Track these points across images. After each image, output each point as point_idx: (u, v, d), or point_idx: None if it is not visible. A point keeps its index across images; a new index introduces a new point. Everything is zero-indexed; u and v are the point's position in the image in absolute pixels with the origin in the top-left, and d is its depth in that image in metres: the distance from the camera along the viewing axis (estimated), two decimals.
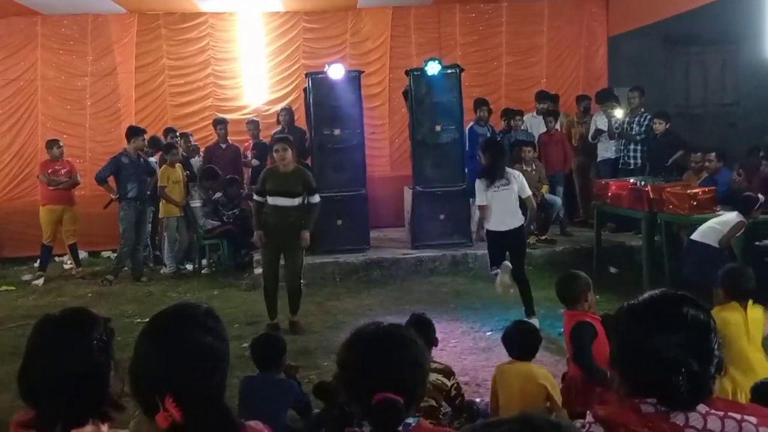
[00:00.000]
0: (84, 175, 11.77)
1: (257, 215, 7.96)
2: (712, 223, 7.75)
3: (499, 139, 11.51)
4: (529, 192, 7.95)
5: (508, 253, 7.86)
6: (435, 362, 4.73)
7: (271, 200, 7.77)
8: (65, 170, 11.33)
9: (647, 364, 1.88)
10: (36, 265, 11.32)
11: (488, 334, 7.53)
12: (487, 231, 7.93)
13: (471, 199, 10.48)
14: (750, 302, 4.71)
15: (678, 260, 9.28)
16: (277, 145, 7.86)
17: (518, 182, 7.81)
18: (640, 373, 1.92)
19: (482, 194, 7.79)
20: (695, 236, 7.77)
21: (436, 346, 5.10)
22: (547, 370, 4.96)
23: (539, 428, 1.23)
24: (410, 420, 2.16)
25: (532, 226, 10.64)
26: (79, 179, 11.49)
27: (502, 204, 7.74)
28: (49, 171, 11.20)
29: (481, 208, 7.95)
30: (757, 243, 8.05)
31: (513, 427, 1.24)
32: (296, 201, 7.76)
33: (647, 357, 1.87)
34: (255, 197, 8.07)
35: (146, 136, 11.28)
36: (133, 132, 10.98)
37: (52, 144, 11.33)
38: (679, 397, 1.83)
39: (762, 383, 4.04)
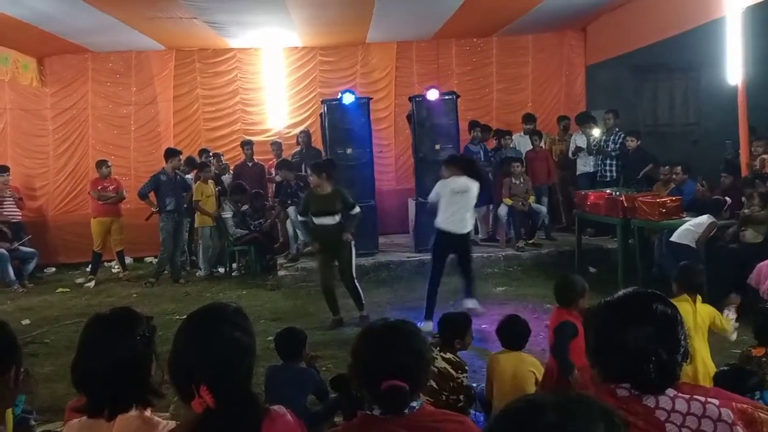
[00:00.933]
0: (129, 190, 11.82)
1: (307, 230, 8.20)
2: (687, 225, 7.76)
3: (491, 155, 11.57)
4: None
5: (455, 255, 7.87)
6: (451, 355, 4.67)
7: (316, 220, 7.78)
8: (113, 187, 11.41)
9: (621, 354, 1.87)
10: (88, 269, 11.36)
11: (483, 327, 7.49)
12: (439, 231, 7.68)
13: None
14: (699, 298, 4.71)
15: (649, 260, 9.29)
16: (311, 172, 7.94)
17: (473, 190, 7.70)
18: (614, 362, 1.91)
19: (436, 192, 7.74)
20: (674, 238, 7.77)
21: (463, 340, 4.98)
22: (536, 358, 4.95)
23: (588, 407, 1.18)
24: (414, 403, 2.16)
25: (522, 230, 10.69)
26: (125, 194, 11.56)
27: (460, 208, 7.65)
28: (99, 188, 11.28)
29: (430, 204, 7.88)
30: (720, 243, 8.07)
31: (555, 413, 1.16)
32: (336, 218, 7.74)
33: (621, 347, 1.86)
34: (299, 218, 8.25)
35: (182, 157, 11.34)
36: (170, 153, 11.02)
37: (101, 164, 11.41)
38: (649, 383, 1.82)
39: (722, 371, 4.01)
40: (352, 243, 7.86)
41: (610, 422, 1.15)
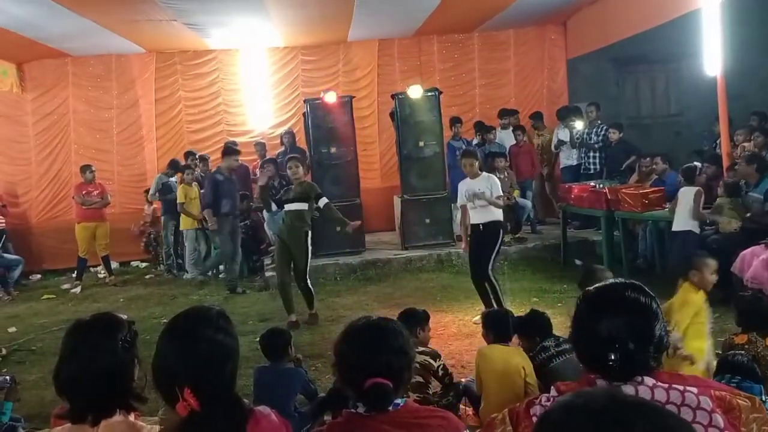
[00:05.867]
0: (113, 195, 11.78)
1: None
2: (682, 209, 7.72)
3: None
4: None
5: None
6: (423, 347, 4.78)
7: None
8: (97, 192, 11.35)
9: (591, 342, 1.89)
10: (73, 275, 11.30)
11: (475, 319, 7.48)
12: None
13: (452, 204, 10.53)
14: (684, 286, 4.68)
15: (634, 252, 9.35)
16: (290, 162, 7.97)
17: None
18: (586, 350, 1.93)
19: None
20: (676, 228, 7.74)
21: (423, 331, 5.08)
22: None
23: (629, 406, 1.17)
24: (398, 401, 2.17)
25: (507, 225, 10.70)
26: (109, 199, 11.50)
27: None
28: (83, 192, 11.22)
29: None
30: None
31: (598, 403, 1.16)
32: (303, 206, 7.84)
33: (592, 336, 1.87)
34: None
35: (231, 155, 10.85)
36: (229, 151, 10.29)
37: (85, 169, 11.35)
38: (612, 371, 1.84)
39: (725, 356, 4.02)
40: (309, 243, 7.94)
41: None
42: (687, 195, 7.73)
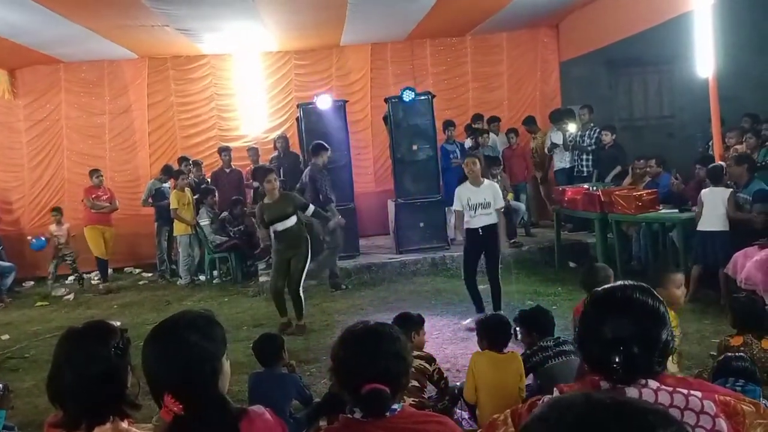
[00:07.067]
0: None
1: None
2: (710, 210, 7.54)
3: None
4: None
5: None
6: (419, 351, 4.77)
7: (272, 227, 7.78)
8: (106, 196, 11.49)
9: (596, 344, 1.86)
10: (67, 281, 11.26)
11: (465, 322, 7.47)
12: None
13: (446, 208, 10.50)
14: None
15: (628, 254, 9.34)
16: (270, 176, 7.80)
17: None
18: (591, 352, 1.90)
19: None
20: (705, 228, 7.57)
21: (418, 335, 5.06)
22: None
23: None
24: (395, 406, 2.15)
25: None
26: (118, 205, 11.56)
27: None
28: (93, 196, 11.28)
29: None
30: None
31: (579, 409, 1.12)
32: (292, 221, 7.73)
33: (597, 338, 1.85)
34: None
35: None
36: (320, 147, 9.89)
37: (93, 173, 11.46)
38: (615, 374, 1.81)
39: (726, 359, 3.97)
40: (309, 250, 7.85)
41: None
42: (716, 195, 7.55)
